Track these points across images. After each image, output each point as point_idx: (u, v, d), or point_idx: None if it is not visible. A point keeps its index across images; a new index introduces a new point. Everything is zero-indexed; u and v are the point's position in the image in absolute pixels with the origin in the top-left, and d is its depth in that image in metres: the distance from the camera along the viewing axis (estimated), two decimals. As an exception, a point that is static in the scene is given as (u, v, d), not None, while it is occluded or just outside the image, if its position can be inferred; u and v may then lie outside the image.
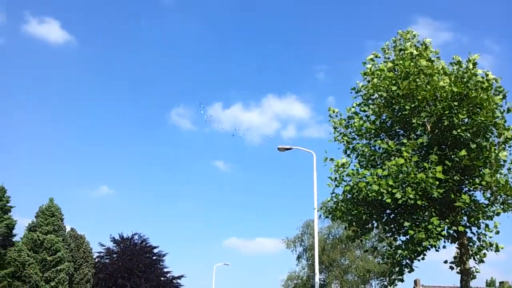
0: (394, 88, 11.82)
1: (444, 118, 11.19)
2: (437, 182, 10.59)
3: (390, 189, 10.66)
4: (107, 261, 40.28)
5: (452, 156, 11.07)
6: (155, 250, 41.94)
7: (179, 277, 42.05)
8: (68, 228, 32.93)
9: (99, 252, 40.11)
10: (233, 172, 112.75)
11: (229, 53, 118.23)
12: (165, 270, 41.55)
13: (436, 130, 11.64)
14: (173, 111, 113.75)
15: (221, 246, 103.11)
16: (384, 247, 18.74)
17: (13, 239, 27.22)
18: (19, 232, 27.88)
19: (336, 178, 12.30)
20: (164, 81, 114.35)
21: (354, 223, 12.46)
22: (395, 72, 12.34)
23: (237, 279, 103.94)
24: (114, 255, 40.45)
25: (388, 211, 12.25)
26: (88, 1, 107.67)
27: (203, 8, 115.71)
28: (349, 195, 11.84)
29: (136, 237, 42.03)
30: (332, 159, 12.49)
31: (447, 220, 11.24)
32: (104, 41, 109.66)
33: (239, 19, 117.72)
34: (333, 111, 13.37)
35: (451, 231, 11.47)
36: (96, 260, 38.32)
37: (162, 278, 40.53)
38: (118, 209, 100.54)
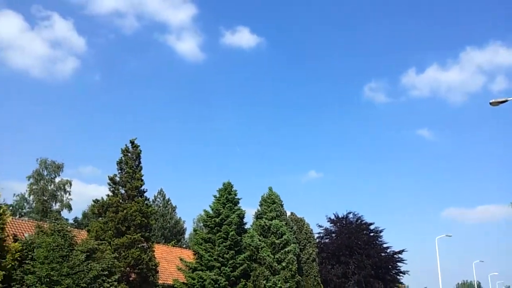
0: None
1: None
2: None
3: None
4: (327, 240, 42.21)
5: None
6: (371, 227, 42.24)
7: (400, 252, 41.49)
8: (288, 213, 35.55)
9: (318, 233, 42.31)
10: (439, 138, 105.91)
11: (413, 13, 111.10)
12: (385, 245, 41.51)
13: None
14: (365, 87, 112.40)
15: (438, 217, 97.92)
16: None
17: (245, 227, 30.62)
18: (248, 220, 31.18)
19: None
20: (353, 58, 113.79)
21: None
22: None
23: (461, 250, 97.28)
24: (333, 235, 42.13)
25: None
26: (267, 3, 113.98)
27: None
28: None
29: (350, 215, 43.06)
30: None
31: None
32: (286, 34, 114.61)
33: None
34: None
35: None
36: (317, 240, 40.41)
37: (382, 254, 40.59)
38: (328, 191, 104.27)
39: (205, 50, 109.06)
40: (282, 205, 33.22)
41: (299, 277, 31.32)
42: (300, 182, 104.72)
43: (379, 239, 41.76)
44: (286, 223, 32.59)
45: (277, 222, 31.37)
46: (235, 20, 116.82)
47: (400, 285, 44.04)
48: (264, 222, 31.42)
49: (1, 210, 17.16)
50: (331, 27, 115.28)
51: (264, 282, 28.54)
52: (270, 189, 33.78)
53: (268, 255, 30.01)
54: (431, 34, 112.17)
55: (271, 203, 32.78)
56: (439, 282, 43.71)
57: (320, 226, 42.86)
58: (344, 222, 42.61)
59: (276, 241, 30.71)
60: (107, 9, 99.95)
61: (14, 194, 51.36)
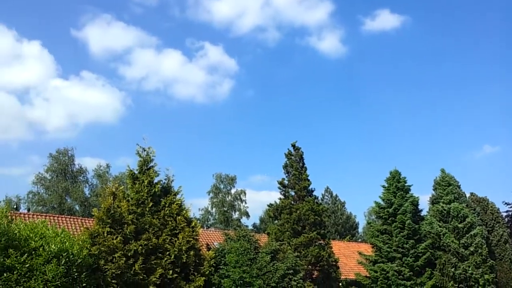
0: None
1: None
2: None
3: None
4: (517, 218, 38.06)
5: None
6: None
7: None
8: (467, 194, 33.00)
9: (506, 211, 38.38)
10: None
11: None
12: None
13: None
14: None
15: None
16: None
17: (421, 214, 29.28)
18: (423, 206, 29.72)
19: None
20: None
21: None
22: None
23: None
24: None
25: None
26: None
27: None
28: None
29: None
30: None
31: None
32: (430, 4, 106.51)
33: None
34: None
35: None
36: (506, 219, 36.73)
37: None
38: (509, 164, 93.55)
39: (348, 43, 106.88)
40: (459, 186, 30.93)
41: (491, 261, 28.75)
42: (473, 160, 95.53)
43: None
44: (466, 205, 30.26)
45: (457, 205, 29.31)
46: (373, 5, 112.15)
47: None
48: (442, 207, 29.61)
49: (193, 223, 19.30)
50: None
51: (453, 269, 26.86)
52: (443, 170, 31.74)
53: (452, 241, 28.19)
54: None
55: (446, 186, 30.77)
56: None
57: (507, 204, 38.84)
58: (535, 195, 38.00)
59: (459, 226, 28.69)
60: (249, 27, 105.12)
61: (199, 209, 57.24)
